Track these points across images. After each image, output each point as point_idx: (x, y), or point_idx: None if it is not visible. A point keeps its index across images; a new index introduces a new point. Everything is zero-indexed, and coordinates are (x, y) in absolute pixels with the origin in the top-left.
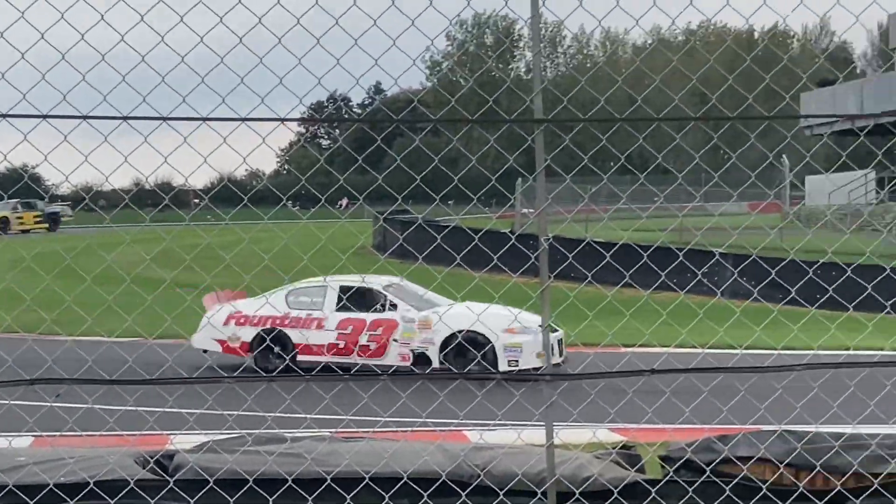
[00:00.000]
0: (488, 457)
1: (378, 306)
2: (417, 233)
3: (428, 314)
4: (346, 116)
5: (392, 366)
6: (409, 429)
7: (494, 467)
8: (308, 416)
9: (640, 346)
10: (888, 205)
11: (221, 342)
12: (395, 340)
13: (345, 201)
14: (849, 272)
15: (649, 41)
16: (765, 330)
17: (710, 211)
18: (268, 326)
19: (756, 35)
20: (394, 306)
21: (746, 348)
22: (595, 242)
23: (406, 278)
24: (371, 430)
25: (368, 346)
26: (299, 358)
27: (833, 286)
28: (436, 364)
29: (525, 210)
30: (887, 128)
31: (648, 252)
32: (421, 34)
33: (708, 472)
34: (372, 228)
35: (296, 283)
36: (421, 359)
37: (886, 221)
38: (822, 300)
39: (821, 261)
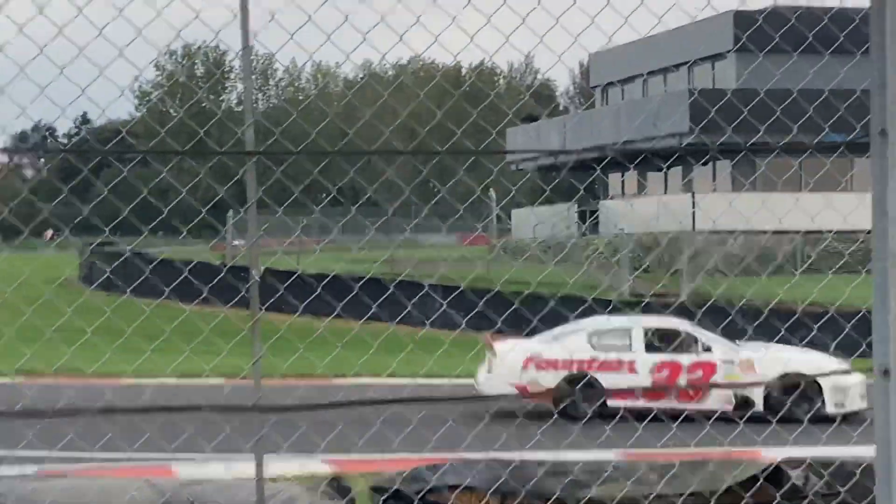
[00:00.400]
0: (198, 491)
1: (694, 347)
2: (126, 265)
3: (750, 355)
4: (52, 146)
5: (714, 410)
6: (117, 464)
7: (205, 502)
8: (9, 452)
9: (354, 375)
10: (588, 237)
11: (520, 387)
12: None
13: (50, 233)
14: (553, 303)
15: (361, 75)
16: (474, 359)
17: (422, 243)
18: (574, 371)
19: (464, 72)
20: (708, 348)
21: (457, 376)
22: (307, 275)
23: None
24: (76, 466)
25: (687, 390)
26: (609, 402)
27: (538, 316)
28: (759, 407)
29: (237, 242)
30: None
31: (360, 283)
32: (129, 63)
33: (416, 503)
34: (79, 261)
35: (594, 322)
36: (744, 403)
37: (587, 254)
38: (529, 328)
39: (526, 292)
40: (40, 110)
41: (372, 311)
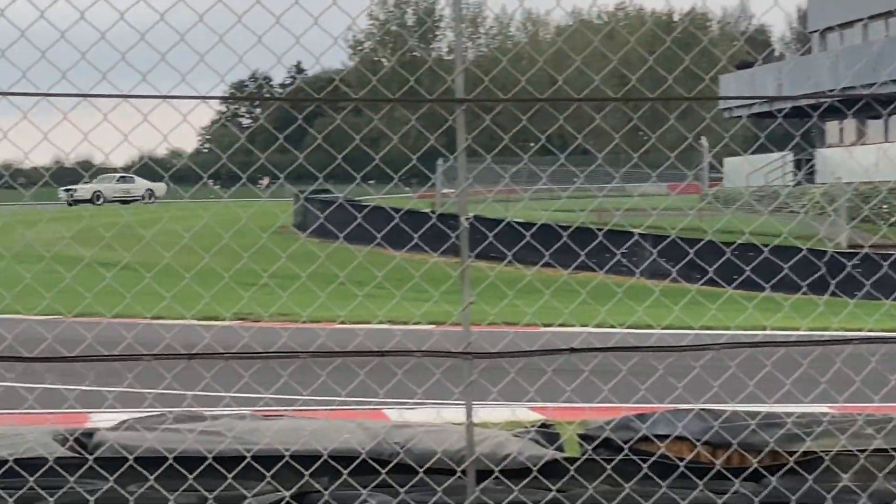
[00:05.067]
0: (408, 435)
1: None
2: (338, 212)
3: None
4: (268, 95)
5: None
6: (330, 407)
7: (414, 445)
8: (228, 394)
9: (560, 325)
10: (804, 187)
11: None
12: None
13: (266, 180)
14: (766, 253)
15: (570, 22)
16: (683, 310)
17: (630, 192)
18: None
19: (675, 17)
20: None
21: (665, 328)
22: (515, 222)
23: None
24: (291, 408)
25: None
26: None
27: (750, 266)
28: None
29: (445, 190)
30: (805, 110)
31: (568, 232)
32: (343, 13)
33: (626, 451)
34: (293, 208)
35: None
36: None
37: (803, 203)
38: (739, 280)
39: (738, 241)
40: (257, 60)
41: (580, 259)
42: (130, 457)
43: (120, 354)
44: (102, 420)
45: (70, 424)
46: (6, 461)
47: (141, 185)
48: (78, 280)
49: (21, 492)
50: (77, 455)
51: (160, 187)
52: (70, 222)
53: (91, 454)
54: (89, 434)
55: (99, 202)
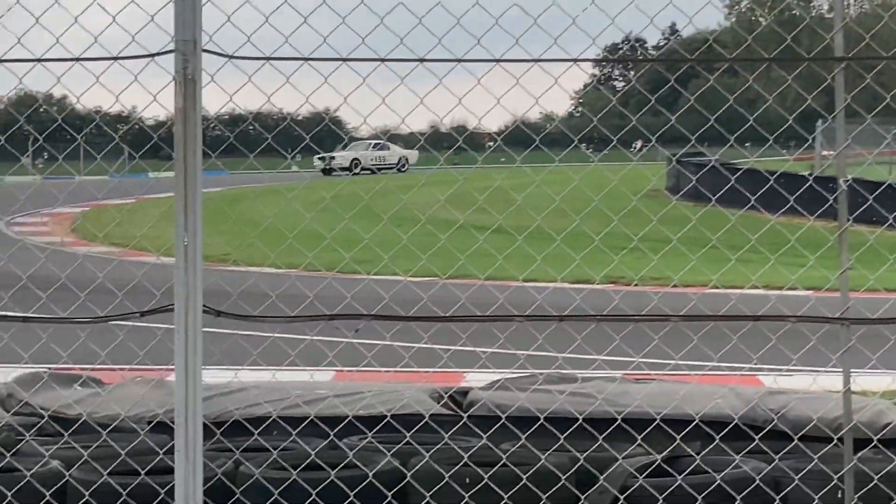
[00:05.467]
0: (783, 401)
1: None
2: (711, 175)
3: None
4: (641, 57)
5: None
6: (700, 372)
7: (789, 412)
8: (598, 357)
9: None
10: None
11: None
12: None
13: (639, 143)
14: None
15: None
16: None
17: None
18: None
19: None
20: None
21: None
22: None
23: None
24: (661, 372)
25: None
26: None
27: None
28: None
29: (825, 152)
30: None
31: None
32: None
33: None
34: (665, 170)
35: None
36: None
37: None
38: None
39: None
40: (630, 22)
41: None
42: (503, 416)
43: (493, 315)
44: (476, 379)
45: (445, 383)
46: (384, 416)
47: (396, 152)
48: (452, 242)
49: (398, 446)
50: (451, 413)
51: (413, 154)
52: (444, 186)
53: (465, 412)
54: (464, 392)
55: (356, 170)
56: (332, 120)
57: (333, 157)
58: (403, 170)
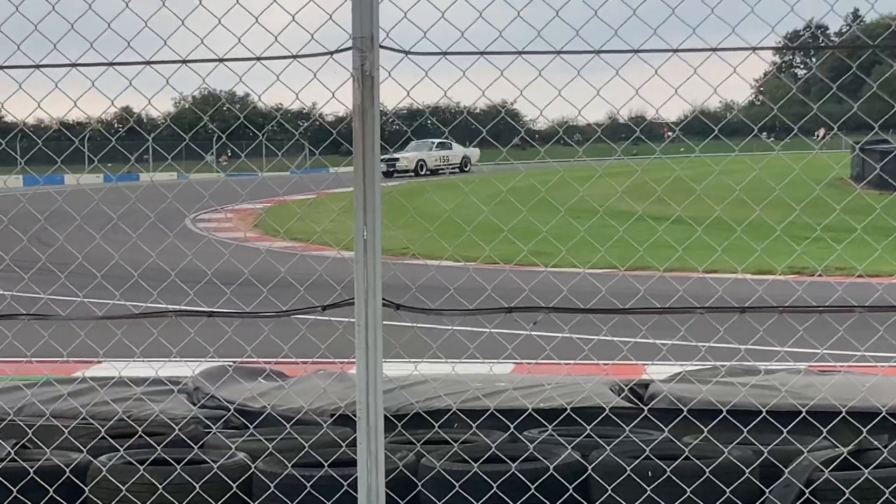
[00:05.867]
0: None
1: None
2: None
3: None
4: (822, 44)
5: None
6: (888, 364)
7: None
8: (782, 348)
9: None
10: None
11: None
12: None
13: (821, 131)
14: None
15: None
16: None
17: None
18: None
19: None
20: None
21: None
22: None
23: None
24: (847, 363)
25: None
26: None
27: None
28: None
29: None
30: None
31: None
32: None
33: None
34: (849, 158)
35: None
36: None
37: None
38: None
39: None
40: (810, 9)
41: None
42: (684, 408)
43: (673, 307)
44: (657, 371)
45: (625, 375)
46: (564, 409)
47: (458, 151)
48: (630, 234)
49: (579, 439)
50: (632, 405)
51: (475, 153)
52: (622, 177)
53: (646, 405)
54: (644, 385)
55: (423, 172)
56: (508, 112)
57: (397, 160)
58: (466, 169)
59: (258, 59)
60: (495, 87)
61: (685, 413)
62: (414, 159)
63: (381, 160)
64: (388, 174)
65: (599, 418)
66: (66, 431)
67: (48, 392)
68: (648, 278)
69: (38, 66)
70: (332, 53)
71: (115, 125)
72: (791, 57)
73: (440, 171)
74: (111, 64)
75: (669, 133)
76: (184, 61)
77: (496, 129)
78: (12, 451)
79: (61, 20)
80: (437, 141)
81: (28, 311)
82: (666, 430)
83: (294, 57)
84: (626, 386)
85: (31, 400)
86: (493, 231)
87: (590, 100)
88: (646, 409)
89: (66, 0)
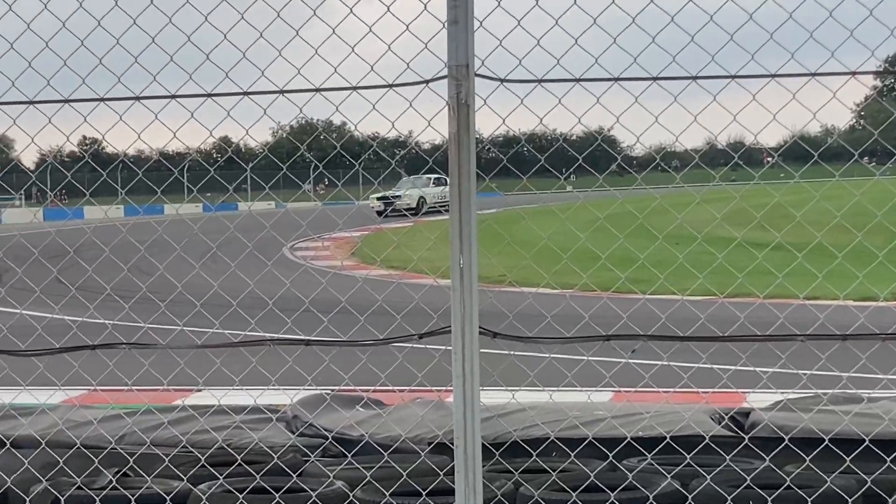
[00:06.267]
0: None
1: None
2: None
3: None
4: None
5: None
6: None
7: None
8: (885, 376)
9: None
10: None
11: None
12: None
13: None
14: None
15: None
16: None
17: None
18: None
19: None
20: None
21: None
22: None
23: None
24: None
25: None
26: None
27: None
28: None
29: None
30: None
31: None
32: None
33: None
34: None
35: None
36: None
37: None
38: None
39: None
40: None
41: None
42: (786, 437)
43: (774, 335)
44: (758, 400)
45: (725, 403)
46: (663, 438)
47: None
48: (729, 260)
49: (679, 468)
50: (733, 434)
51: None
52: (720, 203)
53: (747, 433)
54: (745, 413)
55: (423, 209)
56: (605, 139)
57: (398, 197)
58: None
59: (354, 88)
60: (591, 114)
61: (787, 442)
62: (416, 197)
63: (379, 198)
64: (380, 213)
65: (699, 447)
66: (166, 460)
67: (149, 420)
68: (748, 305)
69: (137, 98)
70: (427, 82)
71: (214, 155)
72: (892, 81)
73: (437, 209)
74: (209, 95)
75: (769, 158)
76: (281, 91)
77: (593, 156)
78: (114, 479)
79: (160, 52)
80: (433, 176)
81: (129, 340)
82: (767, 458)
83: (390, 86)
84: (727, 414)
85: (132, 428)
86: (590, 258)
87: (687, 126)
88: (746, 437)
89: (166, 33)
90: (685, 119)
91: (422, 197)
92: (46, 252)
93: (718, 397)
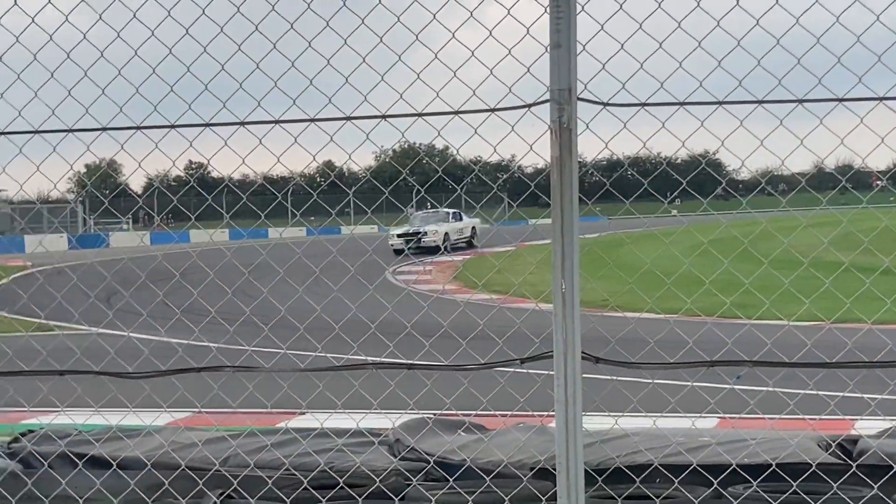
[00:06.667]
0: None
1: None
2: None
3: None
4: None
5: None
6: None
7: None
8: None
9: None
10: None
11: None
12: None
13: None
14: None
15: None
16: None
17: None
18: None
19: None
20: None
21: None
22: None
23: None
24: None
25: None
26: None
27: None
28: None
29: None
30: None
31: None
32: None
33: None
34: None
35: None
36: None
37: None
38: None
39: None
40: None
41: None
42: (895, 465)
43: (882, 361)
44: (866, 427)
45: (832, 430)
46: (769, 465)
47: (468, 223)
48: (837, 285)
49: (785, 496)
50: (840, 461)
51: (477, 222)
52: (827, 227)
53: (854, 461)
54: (853, 440)
55: (446, 244)
56: (710, 163)
57: (424, 233)
58: (475, 242)
59: (456, 112)
60: (696, 138)
61: (895, 469)
62: (442, 232)
63: (399, 235)
64: (399, 252)
65: (806, 474)
66: (269, 482)
67: (252, 443)
68: (856, 331)
69: (242, 123)
70: (529, 106)
71: (317, 179)
72: None
73: (456, 246)
74: (313, 120)
75: (878, 182)
76: (383, 116)
77: (697, 180)
78: (218, 501)
79: (264, 77)
80: (451, 211)
81: (233, 362)
82: (875, 487)
83: (492, 110)
84: (834, 441)
85: (236, 450)
86: (694, 283)
87: (793, 149)
88: (854, 465)
89: (270, 59)
90: (791, 142)
91: (447, 232)
92: (153, 275)
93: (825, 424)
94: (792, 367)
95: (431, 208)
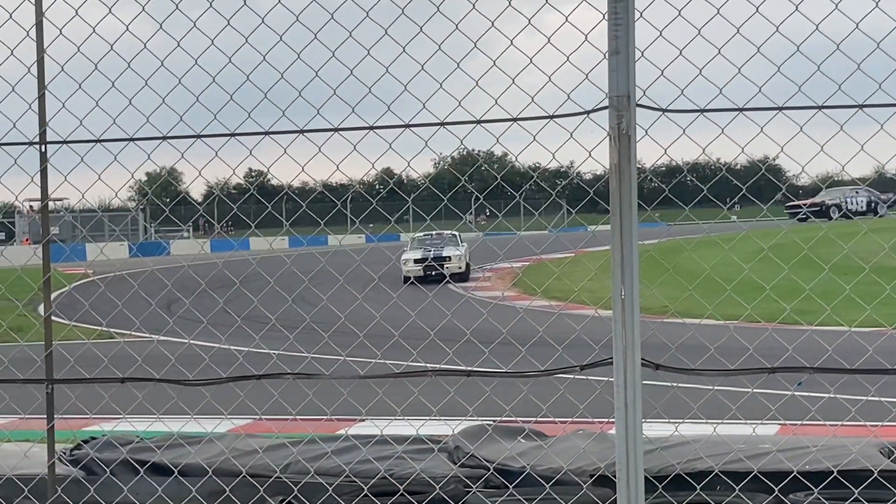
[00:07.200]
0: None
1: None
2: None
3: None
4: None
5: None
6: None
7: None
8: None
9: None
10: None
11: None
12: None
13: None
14: None
15: None
16: None
17: None
18: None
19: None
20: None
21: None
22: None
23: None
24: None
25: None
26: None
27: None
28: None
29: None
30: None
31: None
32: None
33: None
34: None
35: None
36: None
37: None
38: None
39: None
40: None
41: None
42: None
43: None
44: None
45: (895, 437)
46: (831, 472)
47: (465, 246)
48: None
49: (847, 503)
50: None
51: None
52: (889, 233)
53: None
54: None
55: (464, 269)
56: (769, 169)
57: (447, 258)
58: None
59: (515, 119)
60: (755, 143)
61: None
62: (462, 256)
63: (416, 261)
64: (423, 279)
65: (868, 481)
66: (329, 489)
67: (312, 450)
68: None
69: (301, 132)
70: (588, 113)
71: (377, 186)
72: None
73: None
74: (372, 128)
75: None
76: (442, 123)
77: (757, 186)
78: None
79: (323, 86)
80: (455, 233)
81: (293, 370)
82: None
83: (550, 117)
84: None
85: (297, 457)
86: (754, 289)
87: (854, 155)
88: None
89: (329, 67)
90: (852, 148)
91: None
92: (213, 283)
93: (887, 430)
94: (853, 374)
95: (432, 231)
